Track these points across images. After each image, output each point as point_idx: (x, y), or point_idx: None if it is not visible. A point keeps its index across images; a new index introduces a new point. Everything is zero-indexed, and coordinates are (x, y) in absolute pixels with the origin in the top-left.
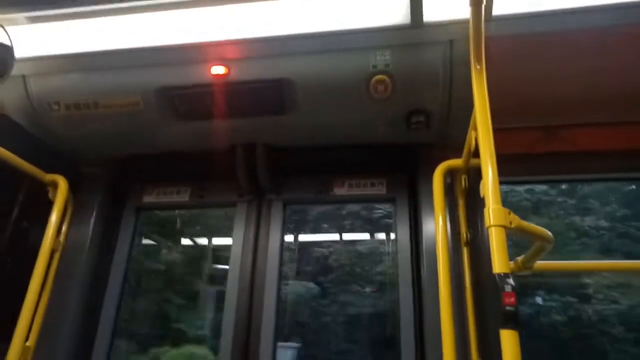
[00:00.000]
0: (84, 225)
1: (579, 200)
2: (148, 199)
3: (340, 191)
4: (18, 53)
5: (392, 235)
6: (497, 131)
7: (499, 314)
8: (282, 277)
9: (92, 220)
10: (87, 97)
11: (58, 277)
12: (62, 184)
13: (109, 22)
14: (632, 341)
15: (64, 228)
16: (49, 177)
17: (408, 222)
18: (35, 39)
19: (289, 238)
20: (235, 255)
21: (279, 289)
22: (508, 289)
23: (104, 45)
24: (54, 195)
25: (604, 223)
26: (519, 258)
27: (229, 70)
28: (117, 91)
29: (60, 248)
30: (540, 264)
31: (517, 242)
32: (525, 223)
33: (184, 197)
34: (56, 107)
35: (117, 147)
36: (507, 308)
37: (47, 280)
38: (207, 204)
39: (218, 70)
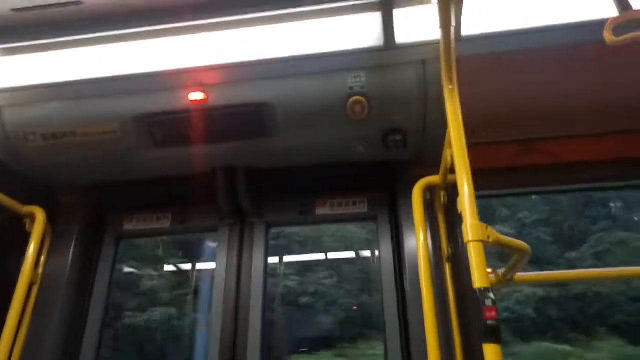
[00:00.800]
0: (62, 256)
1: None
2: (128, 226)
3: (322, 211)
4: None
5: (376, 253)
6: (474, 146)
7: (481, 329)
8: (267, 299)
9: (71, 251)
10: (63, 127)
11: (36, 310)
12: (40, 215)
13: (83, 51)
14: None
15: (42, 260)
16: (26, 209)
17: (390, 239)
18: (8, 70)
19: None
20: (219, 279)
21: (264, 312)
22: (489, 303)
23: (79, 75)
24: (32, 227)
25: (510, 230)
26: (499, 271)
27: (207, 95)
28: (94, 120)
29: (38, 280)
30: (520, 275)
31: None
32: (502, 237)
33: (165, 224)
34: (32, 138)
35: (95, 175)
36: (489, 322)
37: (25, 314)
38: (188, 229)
39: (196, 96)
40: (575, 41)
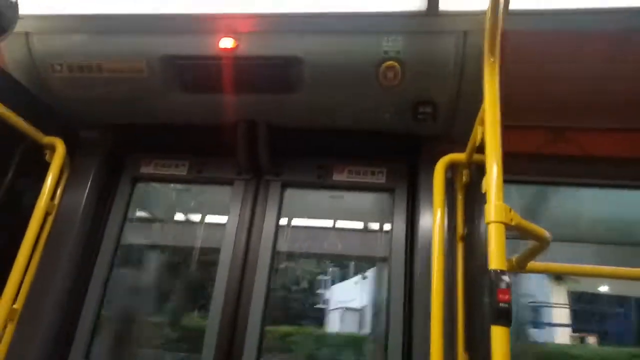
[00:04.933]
0: (79, 191)
1: None
2: (145, 169)
3: (340, 177)
4: (22, 9)
5: (388, 226)
6: (504, 128)
7: (492, 310)
8: (275, 259)
9: (88, 186)
10: (90, 60)
11: (50, 240)
12: (60, 146)
13: None
14: None
15: (58, 192)
16: (47, 139)
17: (405, 213)
18: None
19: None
20: (229, 233)
21: (270, 271)
22: (503, 285)
23: (111, 8)
24: (51, 158)
25: None
26: (514, 257)
27: (237, 44)
28: (122, 56)
29: (54, 211)
30: (533, 264)
31: None
32: (525, 222)
33: (182, 171)
34: (59, 68)
35: (118, 113)
36: (501, 305)
37: (39, 243)
38: (204, 179)
39: (227, 43)
40: (629, 27)
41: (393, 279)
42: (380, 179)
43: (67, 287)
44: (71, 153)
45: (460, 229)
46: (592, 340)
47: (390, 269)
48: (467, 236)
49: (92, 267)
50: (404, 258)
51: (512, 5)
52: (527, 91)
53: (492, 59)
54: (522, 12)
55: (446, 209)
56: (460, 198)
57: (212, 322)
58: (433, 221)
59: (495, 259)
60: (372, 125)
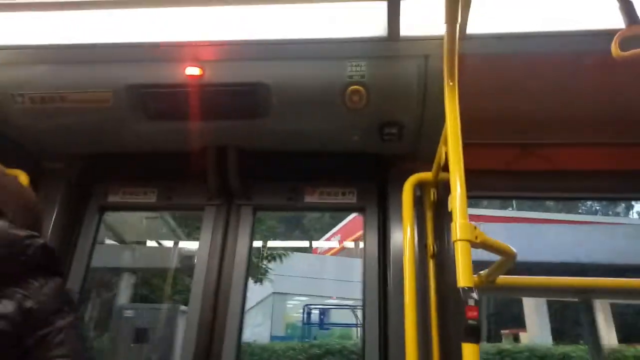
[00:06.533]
0: (44, 223)
1: None
2: (113, 198)
3: (311, 199)
4: None
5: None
6: (469, 146)
7: (461, 327)
8: (248, 284)
9: (53, 218)
10: (53, 91)
11: None
12: (23, 178)
13: (80, 15)
14: None
15: None
16: (8, 171)
17: (377, 232)
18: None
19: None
20: (201, 259)
21: (244, 296)
22: (471, 302)
23: (74, 39)
24: None
25: None
26: (482, 272)
27: (203, 71)
28: (86, 86)
29: None
30: (502, 278)
31: None
32: (489, 238)
33: (151, 198)
34: (20, 99)
35: (83, 143)
36: (470, 322)
37: None
38: (174, 206)
39: (193, 71)
40: (581, 49)
41: (368, 296)
42: (351, 199)
43: None
44: (35, 184)
45: (430, 246)
46: None
47: (364, 287)
48: (437, 253)
49: None
50: (377, 275)
51: (470, 30)
52: (493, 110)
53: (451, 83)
54: (478, 36)
55: (417, 227)
56: (429, 216)
57: (187, 347)
58: (403, 240)
59: (463, 277)
60: (340, 146)
